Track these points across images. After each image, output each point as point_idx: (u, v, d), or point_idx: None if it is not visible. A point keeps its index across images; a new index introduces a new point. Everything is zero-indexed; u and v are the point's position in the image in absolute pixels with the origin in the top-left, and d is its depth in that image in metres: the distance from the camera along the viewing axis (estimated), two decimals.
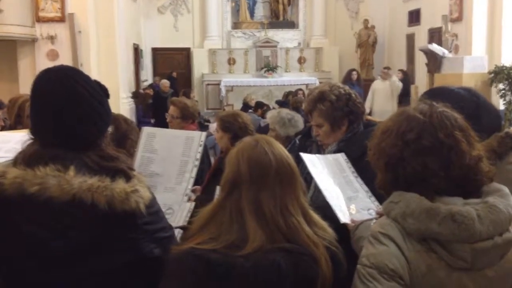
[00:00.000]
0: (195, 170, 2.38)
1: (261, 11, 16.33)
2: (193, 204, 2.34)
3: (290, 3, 16.18)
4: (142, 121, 10.54)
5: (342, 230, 2.07)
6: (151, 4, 15.72)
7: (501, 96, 9.36)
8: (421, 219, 1.38)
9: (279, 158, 1.54)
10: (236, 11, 16.09)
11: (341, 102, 2.66)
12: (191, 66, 15.91)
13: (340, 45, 16.20)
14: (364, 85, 14.72)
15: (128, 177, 1.54)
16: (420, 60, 12.14)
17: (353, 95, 2.74)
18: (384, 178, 1.51)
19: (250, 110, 9.14)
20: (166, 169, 2.37)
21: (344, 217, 2.09)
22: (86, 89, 1.59)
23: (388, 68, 12.24)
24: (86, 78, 1.63)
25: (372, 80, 14.42)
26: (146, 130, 2.51)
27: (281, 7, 15.99)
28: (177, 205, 2.28)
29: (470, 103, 1.90)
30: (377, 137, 1.54)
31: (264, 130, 5.69)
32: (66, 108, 1.55)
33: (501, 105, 9.54)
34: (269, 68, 15.48)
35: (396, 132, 1.47)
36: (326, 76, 15.55)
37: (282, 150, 1.58)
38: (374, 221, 1.99)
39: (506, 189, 1.47)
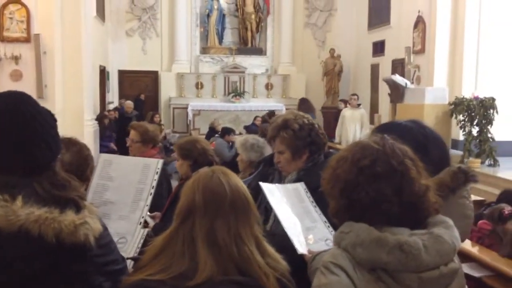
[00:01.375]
0: (150, 198, 2.37)
1: (229, 37, 16.50)
2: (146, 230, 2.32)
3: (258, 30, 16.40)
4: (100, 144, 10.41)
5: (300, 260, 2.09)
6: (120, 26, 15.70)
7: (461, 127, 9.61)
8: (370, 249, 1.41)
9: (235, 188, 1.56)
10: (205, 36, 16.21)
11: (303, 132, 2.71)
12: (159, 89, 15.90)
13: (307, 72, 16.47)
14: (328, 112, 15.03)
15: (78, 208, 1.53)
16: (384, 90, 12.42)
17: (316, 126, 2.79)
18: (338, 205, 1.54)
19: (216, 135, 9.15)
20: (121, 197, 2.36)
21: (301, 248, 2.10)
22: (39, 112, 1.61)
23: (356, 95, 12.53)
24: (35, 103, 1.64)
25: (337, 108, 14.67)
26: (103, 157, 2.51)
27: (249, 33, 16.20)
28: (130, 235, 2.26)
29: (419, 135, 1.96)
30: (332, 166, 1.58)
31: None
32: (18, 131, 1.55)
33: (460, 135, 9.82)
34: (237, 93, 15.59)
35: (351, 159, 1.52)
36: (293, 103, 15.71)
37: (238, 181, 1.60)
38: None
39: (450, 221, 1.52)
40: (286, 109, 15.49)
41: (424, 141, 1.97)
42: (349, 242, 1.44)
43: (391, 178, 1.47)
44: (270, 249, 1.58)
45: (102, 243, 1.55)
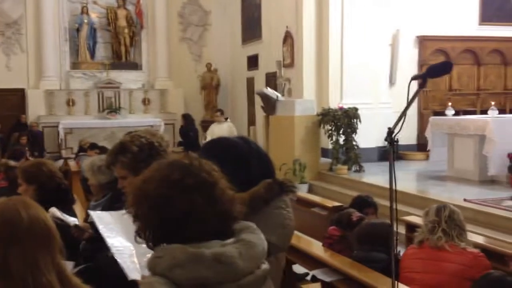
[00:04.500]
0: None
1: (102, 51, 16.01)
2: None
3: (132, 45, 16.09)
4: None
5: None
6: None
7: (329, 136, 10.11)
8: (188, 267, 1.38)
9: (33, 216, 1.49)
10: (75, 51, 15.60)
11: (143, 153, 2.64)
12: (26, 108, 14.98)
13: (185, 87, 16.43)
14: (208, 126, 15.10)
15: None
16: (260, 103, 12.74)
17: (156, 144, 2.73)
18: (148, 224, 1.49)
19: (81, 153, 8.77)
20: None
21: (132, 274, 2.04)
22: None
23: (220, 110, 12.76)
24: None
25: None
26: None
27: (123, 48, 15.82)
28: None
29: (243, 150, 2.01)
30: (138, 187, 1.53)
31: None
32: None
33: (329, 144, 10.32)
34: (112, 109, 15.15)
35: (160, 176, 1.50)
36: (172, 118, 15.66)
37: (39, 211, 1.53)
38: None
39: (254, 225, 1.55)
40: (165, 124, 15.38)
41: (248, 156, 2.02)
42: (165, 265, 1.40)
43: (203, 189, 1.48)
44: (74, 279, 1.52)
45: None
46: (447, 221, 3.17)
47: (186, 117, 14.34)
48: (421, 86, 1.95)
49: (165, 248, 1.45)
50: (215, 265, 1.38)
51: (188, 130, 13.75)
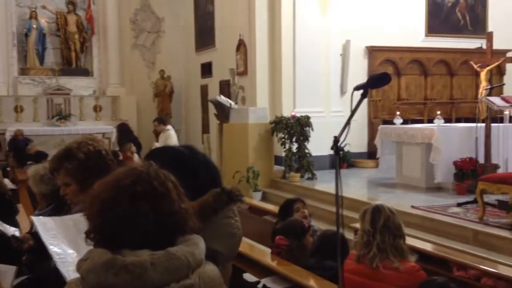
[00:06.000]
0: None
1: (51, 57, 15.63)
2: None
3: (83, 51, 15.77)
4: None
5: None
6: None
7: (282, 144, 10.18)
8: (99, 273, 1.39)
9: None
10: (23, 56, 15.18)
11: (90, 161, 2.59)
12: None
13: (138, 94, 16.23)
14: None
15: None
16: (213, 110, 12.71)
17: (104, 152, 2.68)
18: (93, 225, 1.50)
19: (29, 162, 8.51)
20: None
21: None
22: None
23: (158, 119, 12.37)
24: None
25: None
26: None
27: (73, 54, 15.47)
28: None
29: (191, 160, 2.01)
30: (93, 189, 1.54)
31: None
32: None
33: (282, 152, 10.39)
34: (62, 116, 14.80)
35: (113, 180, 1.51)
36: None
37: None
38: None
39: (196, 239, 1.53)
40: (117, 131, 15.12)
41: (196, 165, 2.02)
42: (84, 268, 1.42)
43: (151, 198, 1.48)
44: None
45: None
46: (382, 231, 3.08)
47: (120, 127, 13.97)
48: (363, 96, 2.00)
49: (91, 251, 1.47)
50: (123, 273, 1.38)
51: (121, 141, 13.11)
